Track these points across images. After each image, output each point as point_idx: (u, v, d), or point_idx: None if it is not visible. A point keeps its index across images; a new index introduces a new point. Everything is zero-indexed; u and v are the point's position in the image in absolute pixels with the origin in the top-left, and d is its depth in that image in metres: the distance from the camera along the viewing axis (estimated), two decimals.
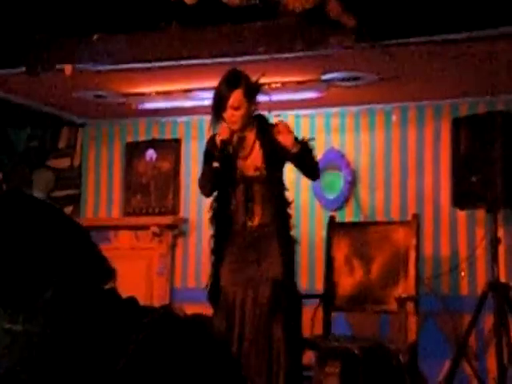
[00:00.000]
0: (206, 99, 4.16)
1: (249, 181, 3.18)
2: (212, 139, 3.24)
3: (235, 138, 3.24)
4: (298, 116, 4.47)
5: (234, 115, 3.13)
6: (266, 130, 3.20)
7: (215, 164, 3.15)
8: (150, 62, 3.74)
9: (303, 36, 3.41)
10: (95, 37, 3.75)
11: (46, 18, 3.76)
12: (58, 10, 3.71)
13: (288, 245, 3.18)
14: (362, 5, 3.26)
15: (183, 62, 3.70)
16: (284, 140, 3.08)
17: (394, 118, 4.36)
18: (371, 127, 4.41)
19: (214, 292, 3.20)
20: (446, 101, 4.24)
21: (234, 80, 3.16)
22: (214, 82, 3.56)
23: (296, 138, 3.13)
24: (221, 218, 3.22)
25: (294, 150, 3.08)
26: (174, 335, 0.90)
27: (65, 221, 0.97)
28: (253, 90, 3.19)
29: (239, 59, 3.60)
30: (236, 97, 3.13)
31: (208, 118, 4.63)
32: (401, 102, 4.30)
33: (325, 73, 3.84)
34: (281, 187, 3.21)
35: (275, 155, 3.16)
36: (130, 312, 0.93)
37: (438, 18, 3.25)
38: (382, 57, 3.48)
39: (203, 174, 3.26)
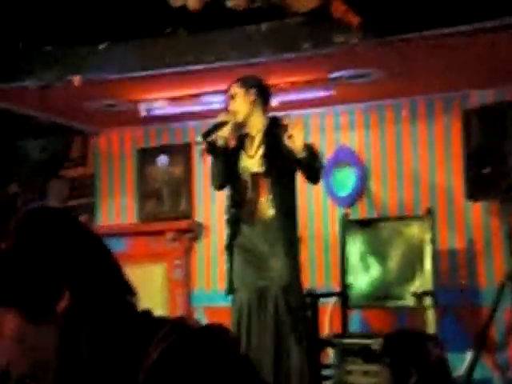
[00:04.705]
0: (215, 103, 4.19)
1: (254, 176, 3.29)
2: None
3: (247, 139, 3.35)
4: (307, 115, 4.48)
5: (231, 104, 3.31)
6: (271, 132, 3.28)
7: (198, 138, 3.29)
8: (157, 68, 3.76)
9: (309, 36, 3.42)
10: (102, 46, 3.77)
11: (53, 30, 3.79)
12: (65, 21, 3.74)
13: (291, 244, 3.24)
14: (366, 2, 3.25)
15: (191, 68, 3.72)
16: (293, 145, 3.12)
17: (403, 112, 4.35)
18: (381, 123, 4.40)
19: (230, 290, 3.32)
20: (455, 93, 4.22)
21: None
22: (222, 86, 3.59)
23: (307, 145, 3.17)
24: (231, 213, 3.33)
25: (301, 155, 3.13)
26: (189, 347, 0.90)
27: (87, 235, 0.98)
28: (250, 82, 3.31)
29: (246, 61, 3.61)
30: (231, 86, 3.32)
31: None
32: (410, 97, 4.29)
33: (332, 71, 3.84)
34: (283, 185, 3.26)
35: (276, 156, 3.24)
36: (146, 325, 0.93)
37: (442, 10, 3.24)
38: (388, 53, 3.48)
39: (211, 168, 3.41)
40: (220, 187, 3.41)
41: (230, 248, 3.34)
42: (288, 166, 3.26)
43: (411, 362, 1.89)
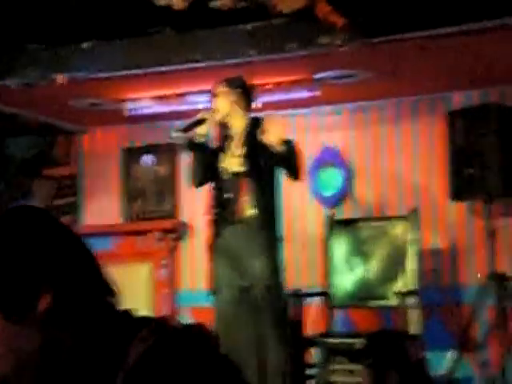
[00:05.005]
0: (201, 103, 4.19)
1: (235, 176, 3.31)
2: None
3: (230, 138, 3.37)
4: (292, 115, 4.49)
5: (213, 103, 3.35)
6: (252, 132, 3.31)
7: (172, 134, 3.34)
8: (142, 68, 3.76)
9: (294, 36, 3.44)
10: (87, 45, 3.76)
11: (37, 28, 3.77)
12: (49, 19, 3.72)
13: (272, 243, 3.27)
14: (351, 4, 3.27)
15: (175, 67, 3.72)
16: (268, 139, 3.14)
17: (388, 113, 4.38)
18: (366, 124, 4.42)
19: (214, 290, 3.35)
20: (439, 94, 4.25)
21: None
22: (208, 85, 3.59)
23: (284, 139, 3.20)
24: (213, 213, 3.37)
25: (278, 149, 3.13)
26: (170, 347, 0.91)
27: (68, 235, 0.98)
28: (234, 83, 3.33)
29: (231, 61, 3.62)
30: (216, 84, 3.35)
31: None
32: (394, 98, 4.32)
33: (317, 72, 3.85)
34: (263, 185, 3.29)
35: (256, 156, 3.26)
36: (126, 326, 0.94)
37: (426, 12, 3.27)
38: (373, 54, 3.50)
39: (190, 165, 3.45)
40: (198, 185, 3.45)
41: (212, 249, 3.35)
42: (268, 166, 3.27)
43: (391, 362, 1.91)
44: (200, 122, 3.31)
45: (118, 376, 0.89)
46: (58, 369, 0.92)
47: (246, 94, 3.35)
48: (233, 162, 3.33)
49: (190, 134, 3.33)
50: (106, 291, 0.97)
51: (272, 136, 3.14)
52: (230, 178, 3.32)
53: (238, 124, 3.34)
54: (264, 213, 3.25)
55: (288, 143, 3.20)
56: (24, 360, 0.92)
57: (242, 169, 3.29)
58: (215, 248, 3.33)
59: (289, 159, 3.19)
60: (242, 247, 3.26)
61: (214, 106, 3.33)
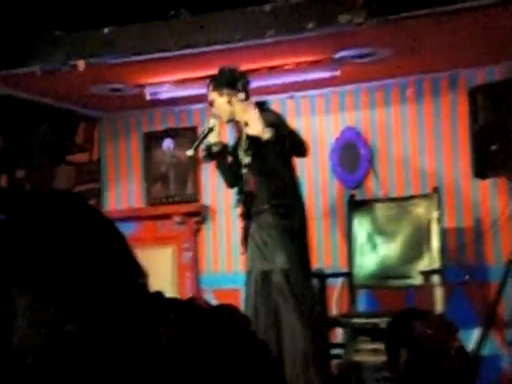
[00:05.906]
0: None
1: (248, 169, 3.33)
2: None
3: (241, 132, 3.38)
4: (312, 96, 4.47)
5: (213, 110, 3.33)
6: None
7: (189, 152, 3.32)
8: (161, 51, 3.75)
9: (313, 16, 3.40)
10: (106, 30, 3.77)
11: (57, 14, 3.78)
12: (69, 5, 3.73)
13: (288, 230, 3.27)
14: None
15: (194, 50, 3.71)
16: (253, 131, 3.11)
17: (409, 91, 4.33)
18: (386, 103, 4.38)
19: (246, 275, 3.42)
20: (461, 70, 4.20)
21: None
22: None
23: (273, 123, 3.12)
24: (240, 206, 3.42)
25: (267, 136, 3.08)
26: (202, 326, 0.92)
27: (101, 220, 0.99)
28: (221, 82, 3.29)
29: (250, 43, 3.60)
30: (208, 93, 3.33)
31: None
32: (415, 75, 4.27)
33: (337, 51, 3.82)
34: (270, 173, 3.28)
35: (258, 146, 3.21)
36: (157, 307, 0.95)
37: None
38: (393, 31, 3.46)
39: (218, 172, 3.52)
40: (231, 187, 3.49)
41: (244, 241, 3.40)
42: (271, 157, 3.24)
43: (401, 341, 1.93)
44: (210, 131, 3.31)
45: (151, 356, 0.90)
46: (89, 350, 0.93)
47: (234, 87, 3.28)
48: (244, 156, 3.35)
49: (204, 146, 3.35)
50: (137, 273, 0.98)
51: (253, 125, 3.08)
52: (244, 172, 3.34)
53: (242, 117, 3.29)
54: (276, 201, 3.25)
55: (273, 126, 3.10)
56: (55, 340, 0.93)
57: (249, 162, 3.31)
58: (247, 240, 3.38)
59: (280, 142, 3.11)
60: (262, 237, 3.30)
61: (216, 113, 3.32)
